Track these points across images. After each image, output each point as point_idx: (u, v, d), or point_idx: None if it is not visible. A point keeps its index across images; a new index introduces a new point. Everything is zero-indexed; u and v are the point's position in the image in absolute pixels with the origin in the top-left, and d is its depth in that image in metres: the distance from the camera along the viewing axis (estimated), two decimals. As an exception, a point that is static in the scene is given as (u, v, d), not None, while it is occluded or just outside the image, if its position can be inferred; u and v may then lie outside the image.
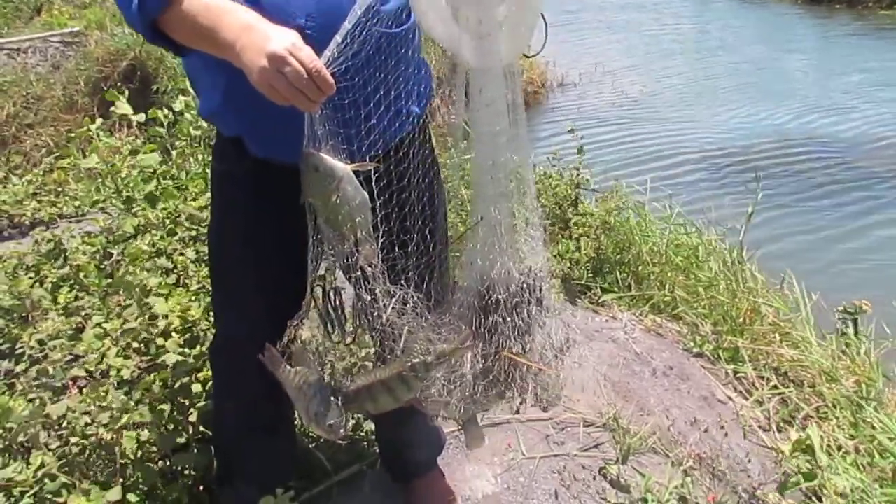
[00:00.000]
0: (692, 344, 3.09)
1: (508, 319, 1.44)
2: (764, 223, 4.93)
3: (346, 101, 1.28)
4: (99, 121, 3.07)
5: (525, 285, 1.45)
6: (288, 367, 1.34)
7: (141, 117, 3.05)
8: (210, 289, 1.83)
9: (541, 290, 1.47)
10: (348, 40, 1.17)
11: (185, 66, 1.52)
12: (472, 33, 1.27)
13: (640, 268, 3.65)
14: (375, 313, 1.33)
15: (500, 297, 1.43)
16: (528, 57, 1.42)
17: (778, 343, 3.11)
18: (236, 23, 1.13)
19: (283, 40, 1.08)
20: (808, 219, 5.79)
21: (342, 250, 1.30)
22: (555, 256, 3.40)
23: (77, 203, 3.45)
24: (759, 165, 6.79)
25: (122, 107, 2.90)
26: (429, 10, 1.29)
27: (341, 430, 1.35)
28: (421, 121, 1.54)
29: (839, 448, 2.53)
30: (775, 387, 2.87)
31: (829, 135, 7.79)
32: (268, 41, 1.08)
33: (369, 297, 1.32)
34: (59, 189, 3.52)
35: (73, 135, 3.31)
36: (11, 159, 4.08)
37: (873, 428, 2.63)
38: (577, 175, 3.67)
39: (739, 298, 3.32)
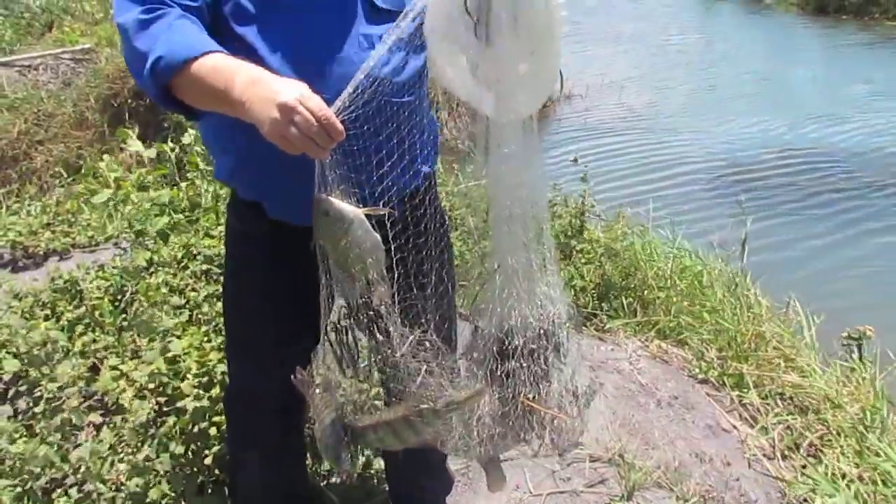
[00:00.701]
0: (697, 370, 3.12)
1: (525, 365, 1.46)
2: (770, 241, 4.97)
3: (357, 148, 1.32)
4: (107, 158, 3.12)
5: (542, 331, 1.47)
6: (316, 391, 1.37)
7: (152, 153, 3.11)
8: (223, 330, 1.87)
9: (558, 336, 1.50)
10: (359, 91, 1.21)
11: (201, 131, 1.57)
12: (491, 90, 1.29)
13: (645, 292, 3.68)
14: (388, 351, 1.35)
15: (517, 343, 1.45)
16: (545, 105, 1.45)
17: (782, 368, 3.14)
18: (245, 78, 1.16)
19: (293, 90, 1.11)
20: (814, 234, 5.79)
21: (353, 292, 1.33)
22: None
23: (90, 233, 3.51)
24: (764, 178, 6.85)
25: (134, 144, 2.96)
26: (447, 67, 1.31)
27: (347, 465, 1.39)
28: (431, 178, 1.60)
29: (843, 476, 2.56)
30: (779, 413, 2.89)
31: (835, 147, 7.81)
32: (277, 93, 1.11)
33: (382, 337, 1.35)
34: (73, 219, 3.57)
35: (84, 169, 3.36)
36: (26, 189, 4.12)
37: (877, 455, 2.66)
38: (582, 203, 3.71)
39: (744, 323, 3.35)
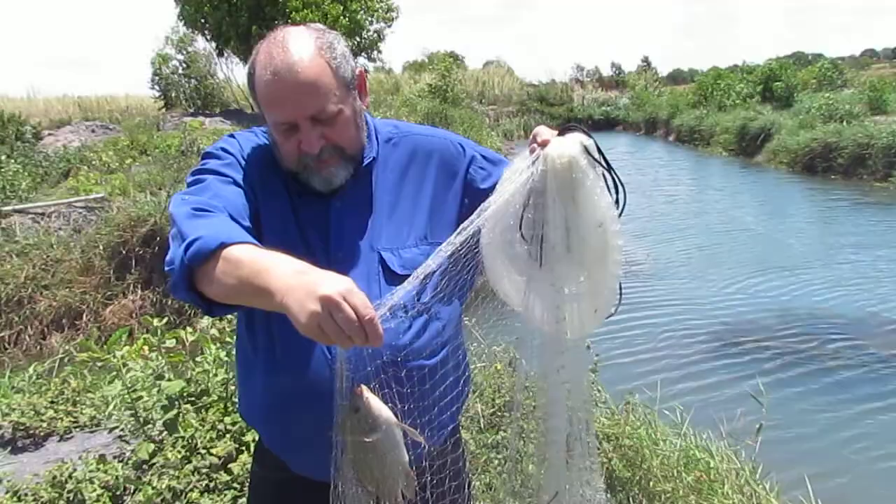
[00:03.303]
0: (708, 577, 3.03)
1: None
2: (779, 420, 4.90)
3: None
4: (126, 348, 3.15)
5: None
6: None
7: (171, 342, 3.15)
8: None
9: None
10: (401, 304, 1.23)
11: (237, 365, 1.60)
12: (549, 315, 1.31)
13: (651, 483, 3.62)
14: None
15: None
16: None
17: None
18: (289, 267, 1.12)
19: (339, 284, 1.07)
20: (822, 409, 5.69)
21: (357, 495, 1.29)
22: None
23: (93, 412, 3.49)
24: (767, 347, 6.84)
25: (149, 340, 3.01)
26: (504, 280, 1.36)
27: None
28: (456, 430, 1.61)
29: None
30: None
31: (834, 313, 7.82)
32: (321, 284, 1.06)
33: None
34: (77, 398, 3.57)
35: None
36: (36, 369, 4.12)
37: None
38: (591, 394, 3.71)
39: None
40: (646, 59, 53.79)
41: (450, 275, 1.36)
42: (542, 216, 1.29)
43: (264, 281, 1.12)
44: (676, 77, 57.28)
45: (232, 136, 1.52)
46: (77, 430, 3.47)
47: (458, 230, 1.29)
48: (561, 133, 1.31)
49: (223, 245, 1.19)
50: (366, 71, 1.55)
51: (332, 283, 1.07)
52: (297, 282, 1.09)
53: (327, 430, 1.29)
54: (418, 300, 1.39)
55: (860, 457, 5.00)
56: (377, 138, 1.52)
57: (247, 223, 1.35)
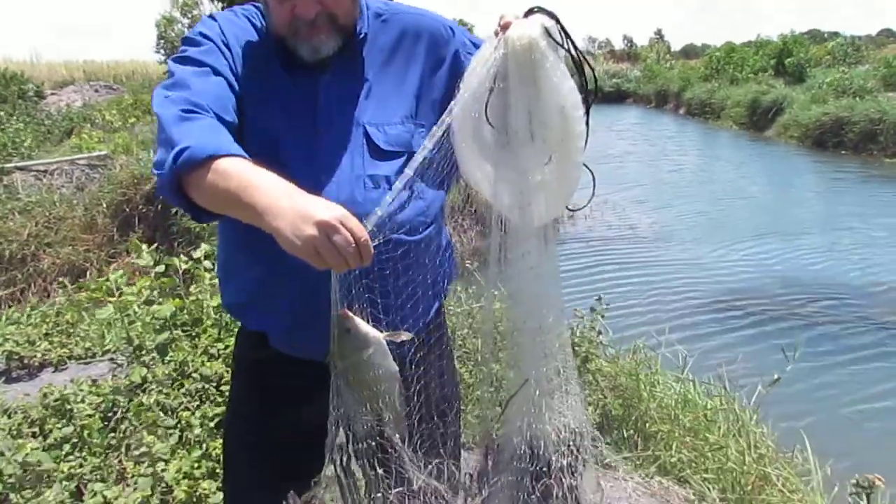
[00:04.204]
0: (700, 512, 3.02)
1: (563, 482, 1.40)
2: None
3: (372, 288, 1.32)
4: (119, 273, 3.13)
5: (572, 444, 1.42)
6: None
7: (161, 268, 3.13)
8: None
9: (585, 448, 1.45)
10: (386, 216, 1.23)
11: (219, 256, 1.58)
12: (514, 201, 1.30)
13: (647, 425, 3.60)
14: (397, 483, 1.30)
15: (552, 459, 1.40)
16: (571, 211, 1.41)
17: (788, 514, 3.03)
18: (278, 189, 1.14)
19: (334, 209, 1.10)
20: (825, 373, 5.66)
21: (362, 419, 1.30)
22: (561, 416, 3.37)
23: (88, 345, 3.49)
24: (773, 312, 6.81)
25: (145, 257, 2.99)
26: (476, 170, 1.35)
27: None
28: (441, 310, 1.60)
29: None
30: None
31: (839, 282, 7.80)
32: (316, 210, 1.09)
33: (381, 471, 1.30)
34: (71, 330, 3.56)
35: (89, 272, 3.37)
36: (30, 289, 4.13)
37: None
38: (591, 331, 3.69)
39: (748, 464, 3.25)
40: (658, 32, 53.22)
41: (434, 163, 1.34)
42: (506, 101, 1.27)
43: (252, 197, 1.13)
44: (689, 52, 56.64)
45: (212, 17, 1.49)
46: (72, 361, 3.46)
47: (438, 124, 1.29)
48: (525, 15, 1.27)
49: (212, 157, 1.19)
50: None
51: (328, 209, 1.10)
52: (288, 205, 1.10)
53: (310, 301, 1.31)
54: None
55: (854, 412, 5.00)
56: (367, 13, 1.49)
57: (231, 116, 1.33)
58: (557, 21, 1.26)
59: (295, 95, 1.42)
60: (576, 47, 1.29)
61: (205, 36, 1.41)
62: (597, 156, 17.43)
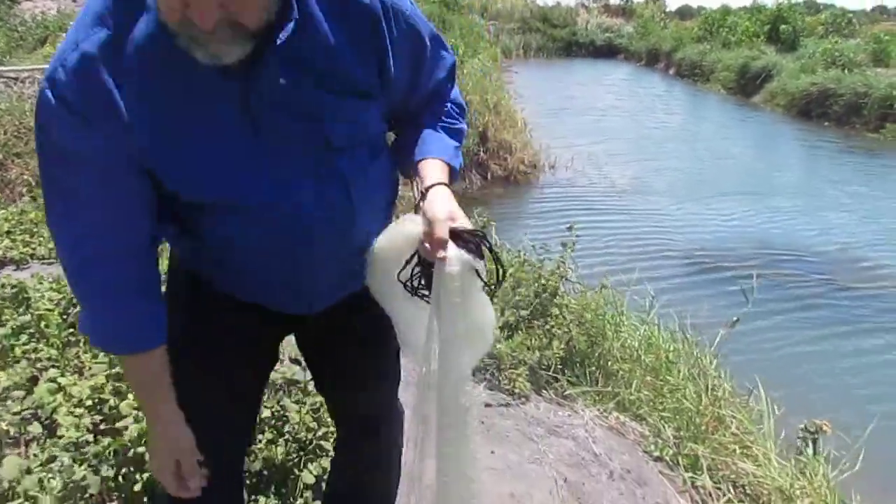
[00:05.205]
0: (653, 447, 3.07)
1: None
2: (742, 329, 4.98)
3: None
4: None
5: None
6: None
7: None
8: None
9: None
10: None
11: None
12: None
13: (609, 363, 3.64)
14: None
15: None
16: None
17: (738, 455, 3.10)
18: (152, 411, 1.34)
19: (158, 460, 1.36)
20: (784, 327, 5.83)
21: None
22: (527, 348, 3.39)
23: (51, 245, 3.42)
24: (740, 269, 6.91)
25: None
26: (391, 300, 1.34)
27: None
28: None
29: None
30: (731, 500, 2.84)
31: (811, 247, 7.94)
32: (154, 454, 1.37)
33: None
34: (35, 229, 3.49)
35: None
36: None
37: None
38: (560, 268, 3.68)
39: (705, 406, 3.32)
40: (655, -9, 52.43)
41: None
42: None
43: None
44: (684, 13, 55.99)
45: (63, 63, 1.07)
46: (34, 260, 3.40)
47: None
48: (454, 237, 1.17)
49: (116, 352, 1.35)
50: None
51: (158, 457, 1.35)
52: (152, 432, 1.35)
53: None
54: None
55: (813, 369, 5.14)
56: None
57: (129, 211, 1.15)
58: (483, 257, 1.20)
59: (217, 106, 1.14)
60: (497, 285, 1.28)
61: (64, 102, 1.06)
62: (584, 107, 17.39)
